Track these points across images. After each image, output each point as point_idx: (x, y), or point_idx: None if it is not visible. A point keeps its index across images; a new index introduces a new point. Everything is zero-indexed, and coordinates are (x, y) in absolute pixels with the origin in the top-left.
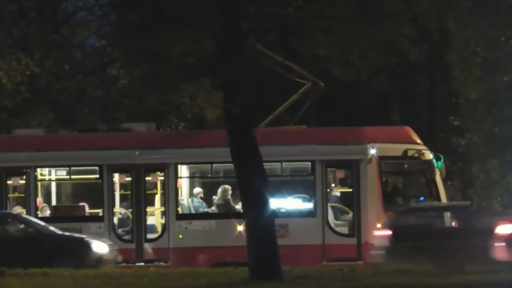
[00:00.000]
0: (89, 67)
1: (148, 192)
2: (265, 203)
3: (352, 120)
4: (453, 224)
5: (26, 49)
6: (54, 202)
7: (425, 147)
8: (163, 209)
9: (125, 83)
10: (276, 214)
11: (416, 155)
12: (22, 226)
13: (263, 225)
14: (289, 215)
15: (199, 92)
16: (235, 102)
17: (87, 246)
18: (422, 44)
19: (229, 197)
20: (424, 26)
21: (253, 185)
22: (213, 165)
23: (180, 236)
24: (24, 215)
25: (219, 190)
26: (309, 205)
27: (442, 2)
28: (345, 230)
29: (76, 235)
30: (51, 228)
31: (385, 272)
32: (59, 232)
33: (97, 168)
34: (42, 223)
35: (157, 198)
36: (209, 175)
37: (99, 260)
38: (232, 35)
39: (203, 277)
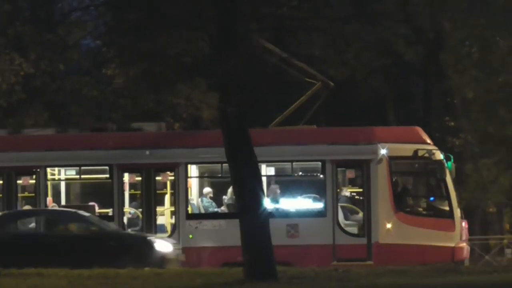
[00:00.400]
0: (84, 67)
1: (158, 191)
2: (260, 203)
3: (351, 120)
4: None
5: (21, 49)
6: (63, 202)
7: (435, 147)
8: (173, 208)
9: (120, 83)
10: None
11: (426, 155)
12: (85, 224)
13: (258, 225)
14: (299, 215)
15: (195, 92)
16: (231, 102)
17: (150, 245)
18: (417, 44)
19: None
20: (419, 26)
21: (248, 185)
22: (223, 165)
23: (190, 236)
24: (86, 214)
25: (229, 190)
26: (320, 205)
27: (437, 3)
28: (355, 230)
29: (140, 233)
30: (114, 226)
31: (380, 273)
32: (122, 230)
33: (107, 167)
34: (104, 221)
35: (167, 198)
36: (219, 175)
37: (162, 259)
38: (228, 35)
39: (198, 278)
